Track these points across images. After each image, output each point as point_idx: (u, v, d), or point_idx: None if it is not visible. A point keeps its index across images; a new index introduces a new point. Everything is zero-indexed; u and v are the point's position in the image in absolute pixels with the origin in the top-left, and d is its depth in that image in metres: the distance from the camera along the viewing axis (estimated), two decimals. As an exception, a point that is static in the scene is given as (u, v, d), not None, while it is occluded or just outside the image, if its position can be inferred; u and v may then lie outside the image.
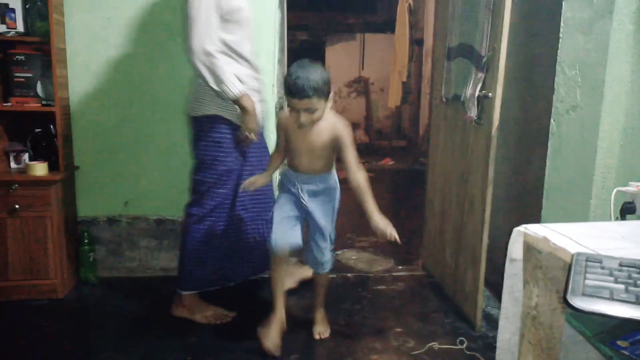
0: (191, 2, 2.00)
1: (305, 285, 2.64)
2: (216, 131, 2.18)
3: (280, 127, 2.07)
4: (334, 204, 2.11)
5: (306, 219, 2.11)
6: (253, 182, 2.09)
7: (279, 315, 2.11)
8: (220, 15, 2.04)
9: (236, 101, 2.10)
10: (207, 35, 1.99)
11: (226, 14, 2.05)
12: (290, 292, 2.52)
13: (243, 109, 2.12)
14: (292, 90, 1.81)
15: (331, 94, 1.91)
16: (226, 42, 2.09)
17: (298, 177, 2.05)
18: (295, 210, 2.08)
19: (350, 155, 1.96)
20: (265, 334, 2.05)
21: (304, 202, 2.05)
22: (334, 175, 2.11)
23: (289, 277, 2.66)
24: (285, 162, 2.15)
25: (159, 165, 2.82)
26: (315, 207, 2.06)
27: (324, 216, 2.07)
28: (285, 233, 2.03)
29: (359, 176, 1.94)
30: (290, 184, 2.08)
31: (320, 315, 2.26)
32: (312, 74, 1.81)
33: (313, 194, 2.06)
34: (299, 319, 2.37)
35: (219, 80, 2.03)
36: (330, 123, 1.96)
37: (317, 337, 2.18)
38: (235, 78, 2.07)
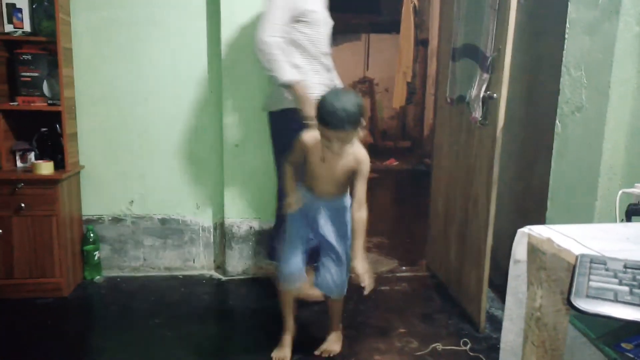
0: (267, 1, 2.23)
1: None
2: (294, 122, 2.24)
3: (300, 145, 1.95)
4: (347, 224, 2.01)
5: (316, 241, 2.06)
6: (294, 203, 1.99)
7: (290, 334, 2.10)
8: (293, 15, 2.23)
9: (289, 87, 2.22)
10: (269, 28, 2.19)
11: (299, 14, 2.25)
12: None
13: (297, 96, 2.22)
14: (328, 121, 1.72)
15: (362, 120, 1.80)
16: (295, 39, 2.28)
17: (314, 201, 1.99)
18: (305, 233, 2.03)
19: (362, 188, 1.89)
20: (278, 355, 2.06)
21: (317, 224, 2.00)
22: (348, 197, 2.03)
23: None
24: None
25: (164, 165, 2.83)
26: (329, 229, 2.00)
27: (336, 237, 2.00)
28: (296, 262, 2.01)
29: (362, 214, 1.89)
30: (306, 208, 2.00)
31: (334, 336, 2.14)
32: (349, 105, 1.71)
33: (327, 216, 2.00)
34: (301, 320, 2.37)
35: (271, 67, 2.20)
36: (354, 151, 1.87)
37: (317, 352, 2.09)
38: (288, 66, 2.21)
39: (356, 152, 1.89)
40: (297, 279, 2.03)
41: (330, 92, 1.81)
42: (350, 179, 1.95)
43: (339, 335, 2.17)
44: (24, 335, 2.20)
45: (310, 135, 1.90)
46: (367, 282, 1.83)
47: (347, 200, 2.04)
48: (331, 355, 2.08)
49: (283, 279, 2.03)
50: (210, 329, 2.30)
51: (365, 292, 1.84)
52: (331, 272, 2.01)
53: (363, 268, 1.85)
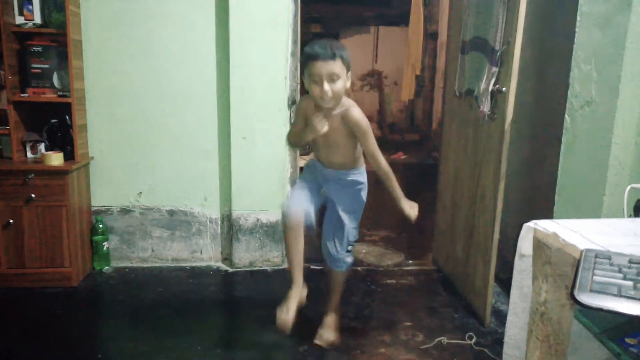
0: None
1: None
2: None
3: (300, 112, 1.94)
4: (358, 201, 2.02)
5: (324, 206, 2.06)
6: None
7: (297, 288, 1.88)
8: None
9: None
10: None
11: None
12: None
13: None
14: (314, 53, 1.70)
15: (349, 72, 1.79)
16: None
17: (323, 171, 2.00)
18: (315, 191, 1.99)
19: (369, 145, 1.87)
20: (281, 310, 1.87)
21: (329, 190, 2.02)
22: (361, 172, 2.02)
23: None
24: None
25: (173, 157, 2.84)
26: (340, 198, 2.01)
27: (345, 209, 2.00)
28: (300, 200, 1.89)
29: (380, 165, 1.90)
30: (316, 171, 2.03)
31: (330, 319, 2.14)
32: (332, 41, 1.76)
33: (337, 189, 2.01)
34: (309, 309, 2.38)
35: None
36: (344, 109, 1.83)
37: (317, 341, 2.08)
38: None
39: (349, 112, 1.84)
40: (301, 216, 1.84)
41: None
42: (353, 144, 1.92)
43: (335, 320, 2.12)
44: (34, 324, 2.24)
45: (308, 100, 1.88)
46: (413, 216, 1.98)
47: (361, 176, 2.01)
48: (325, 344, 2.06)
49: (286, 214, 1.85)
50: (217, 320, 2.32)
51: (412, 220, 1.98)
52: (334, 241, 2.03)
53: (408, 207, 1.97)
